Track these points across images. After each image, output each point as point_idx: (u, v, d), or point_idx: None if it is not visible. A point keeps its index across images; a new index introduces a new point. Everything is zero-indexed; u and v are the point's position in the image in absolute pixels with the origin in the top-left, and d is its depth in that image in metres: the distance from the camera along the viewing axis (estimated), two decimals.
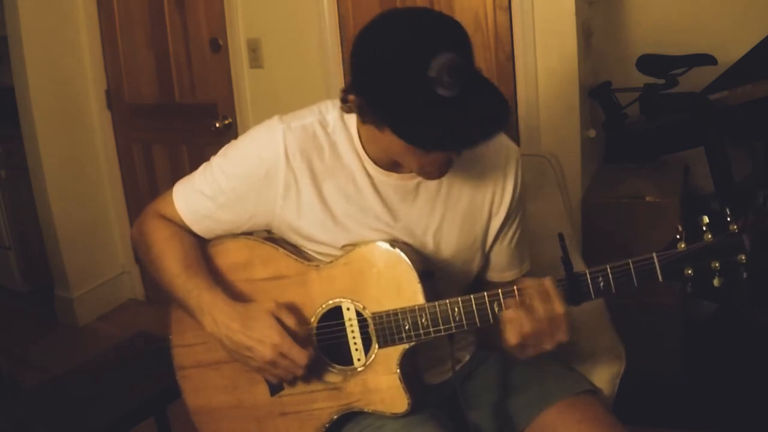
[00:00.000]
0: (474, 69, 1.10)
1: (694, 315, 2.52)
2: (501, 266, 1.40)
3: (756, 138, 2.65)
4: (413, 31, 1.08)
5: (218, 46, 2.98)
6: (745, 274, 1.09)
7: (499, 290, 1.19)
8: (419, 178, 1.27)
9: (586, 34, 2.49)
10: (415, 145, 1.10)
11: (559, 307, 1.13)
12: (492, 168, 1.32)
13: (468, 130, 1.07)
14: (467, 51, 1.09)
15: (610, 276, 1.14)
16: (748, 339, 2.43)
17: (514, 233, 1.37)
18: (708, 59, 2.46)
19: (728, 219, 1.09)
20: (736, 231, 1.09)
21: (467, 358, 1.45)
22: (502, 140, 1.34)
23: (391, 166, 1.26)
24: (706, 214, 1.11)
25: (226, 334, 1.25)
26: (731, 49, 2.51)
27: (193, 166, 1.37)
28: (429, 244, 1.31)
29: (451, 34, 1.09)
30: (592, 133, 2.57)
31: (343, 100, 1.18)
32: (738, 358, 2.39)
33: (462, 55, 1.06)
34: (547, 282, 1.15)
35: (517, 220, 1.37)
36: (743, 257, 1.09)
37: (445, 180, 1.29)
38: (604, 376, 1.49)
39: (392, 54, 1.07)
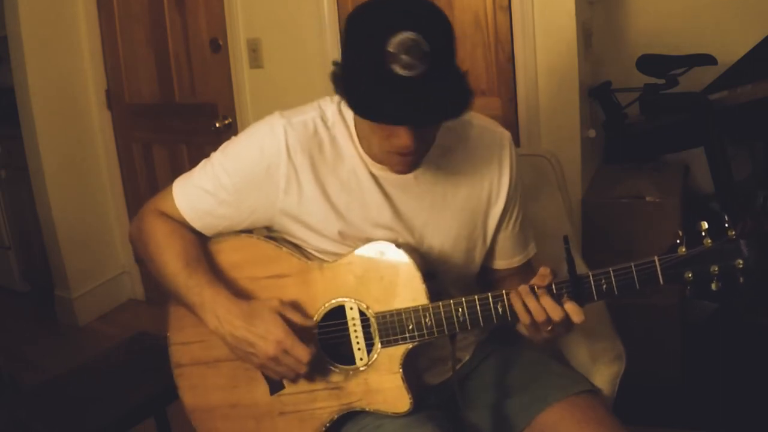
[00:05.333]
0: (441, 54, 1.09)
1: (694, 315, 2.52)
2: (507, 252, 1.41)
3: (756, 138, 2.65)
4: (383, 8, 1.10)
5: (218, 46, 2.98)
6: (742, 279, 1.12)
7: (503, 291, 1.20)
8: (416, 171, 1.27)
9: (586, 34, 2.49)
10: (358, 113, 1.12)
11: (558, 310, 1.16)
12: (487, 156, 1.32)
13: (415, 109, 1.07)
14: (434, 34, 1.08)
15: (612, 278, 1.15)
16: (748, 339, 2.43)
17: (517, 217, 1.38)
18: (708, 59, 2.45)
19: (726, 225, 1.12)
20: (734, 237, 1.11)
21: (467, 357, 1.45)
22: (495, 128, 1.35)
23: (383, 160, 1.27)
24: (705, 219, 1.13)
25: (229, 330, 1.25)
26: (731, 49, 2.51)
27: (193, 167, 1.36)
28: (430, 236, 1.31)
29: (420, 15, 1.09)
30: (592, 133, 2.57)
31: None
32: (738, 358, 2.39)
33: (427, 37, 1.06)
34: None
35: (517, 205, 1.38)
36: (740, 262, 1.11)
37: (441, 172, 1.29)
38: (604, 376, 1.49)
39: (358, 27, 1.10)
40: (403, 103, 1.07)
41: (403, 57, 1.05)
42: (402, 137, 1.13)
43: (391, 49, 1.05)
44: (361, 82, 1.09)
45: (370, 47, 1.07)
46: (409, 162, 1.21)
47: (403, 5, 1.10)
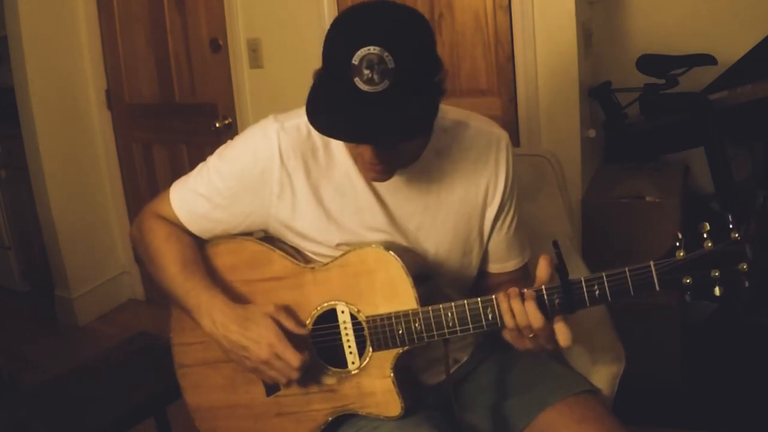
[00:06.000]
0: (409, 73, 1.06)
1: (693, 315, 2.52)
2: (502, 257, 1.39)
3: (756, 138, 2.65)
4: (357, 20, 1.09)
5: (218, 46, 2.98)
6: (746, 283, 1.07)
7: (493, 296, 1.18)
8: (407, 174, 1.27)
9: (586, 34, 2.49)
10: (313, 125, 1.10)
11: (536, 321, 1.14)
12: (483, 158, 1.31)
13: (365, 126, 1.06)
14: (403, 51, 1.05)
15: (605, 284, 1.12)
16: (748, 339, 2.43)
17: (511, 221, 1.37)
18: (708, 59, 2.45)
19: (730, 226, 1.07)
20: (738, 239, 1.07)
21: (465, 358, 1.45)
22: (492, 128, 1.34)
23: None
24: (707, 220, 1.08)
25: (224, 334, 1.25)
26: (731, 49, 2.50)
27: (193, 166, 1.37)
28: (424, 239, 1.31)
29: (392, 31, 1.06)
30: (592, 133, 2.57)
31: None
32: (737, 358, 2.39)
33: (394, 53, 1.04)
34: (528, 295, 1.15)
35: (512, 207, 1.36)
36: (744, 266, 1.06)
37: (435, 174, 1.29)
38: (603, 376, 1.49)
39: (332, 36, 1.10)
40: (354, 119, 1.06)
41: (365, 71, 1.04)
42: (364, 151, 1.14)
43: (355, 61, 1.04)
44: (322, 91, 1.09)
45: (337, 58, 1.06)
46: (379, 171, 1.19)
47: (376, 19, 1.09)
